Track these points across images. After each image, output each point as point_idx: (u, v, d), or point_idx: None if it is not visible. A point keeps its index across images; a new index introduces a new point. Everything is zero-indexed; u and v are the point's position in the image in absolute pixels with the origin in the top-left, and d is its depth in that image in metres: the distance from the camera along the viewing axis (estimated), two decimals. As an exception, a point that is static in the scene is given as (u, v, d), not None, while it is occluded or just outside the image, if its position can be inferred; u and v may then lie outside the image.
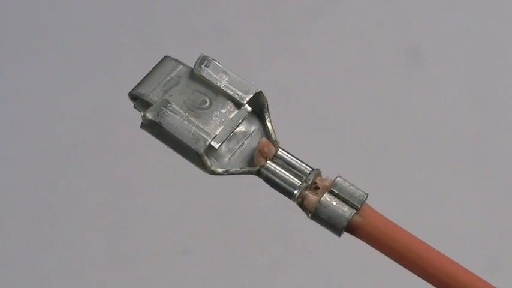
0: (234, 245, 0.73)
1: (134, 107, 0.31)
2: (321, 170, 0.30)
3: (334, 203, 0.30)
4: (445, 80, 0.78)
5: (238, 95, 0.30)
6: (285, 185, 0.30)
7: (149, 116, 0.29)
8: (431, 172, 0.75)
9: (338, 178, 0.30)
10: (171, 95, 0.30)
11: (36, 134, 0.77)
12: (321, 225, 0.30)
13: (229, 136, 0.30)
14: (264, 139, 0.31)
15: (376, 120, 0.77)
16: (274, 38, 0.81)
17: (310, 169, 0.30)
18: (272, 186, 0.30)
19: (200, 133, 0.29)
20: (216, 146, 0.30)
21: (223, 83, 0.30)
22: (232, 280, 0.72)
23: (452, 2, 0.82)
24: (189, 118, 0.30)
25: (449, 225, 0.72)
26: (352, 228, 0.30)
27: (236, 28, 0.81)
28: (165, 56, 0.31)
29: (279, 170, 0.30)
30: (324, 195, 0.30)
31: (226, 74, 0.31)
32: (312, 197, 0.30)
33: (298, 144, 0.34)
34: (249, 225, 0.73)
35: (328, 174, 0.31)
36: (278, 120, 0.32)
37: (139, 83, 0.31)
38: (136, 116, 0.31)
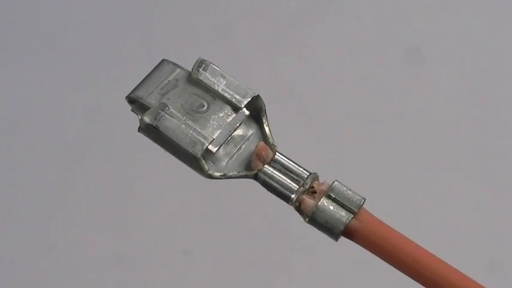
0: (234, 245, 0.73)
1: (132, 110, 0.31)
2: (318, 174, 0.30)
3: (332, 208, 0.29)
4: (445, 80, 0.78)
5: (235, 98, 0.30)
6: (282, 189, 0.30)
7: (146, 119, 0.29)
8: (431, 172, 0.74)
9: (335, 182, 0.30)
10: (168, 99, 0.30)
11: (36, 134, 0.77)
12: (318, 229, 0.30)
13: (227, 140, 0.30)
14: (262, 143, 0.30)
15: (376, 121, 0.77)
16: (274, 38, 0.81)
17: (308, 173, 0.30)
18: (269, 191, 0.30)
19: (197, 137, 0.29)
20: (214, 149, 0.30)
21: (220, 86, 0.30)
22: (232, 280, 0.72)
23: (453, 2, 0.82)
24: (187, 122, 0.29)
25: (449, 225, 0.72)
26: (349, 233, 0.29)
27: (236, 28, 0.81)
28: (162, 60, 0.31)
29: (276, 174, 0.30)
30: (321, 200, 0.29)
31: (223, 77, 0.30)
32: (309, 201, 0.30)
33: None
34: (249, 226, 0.73)
35: (325, 178, 0.31)
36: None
37: (137, 87, 0.31)
38: (137, 117, 0.30)
